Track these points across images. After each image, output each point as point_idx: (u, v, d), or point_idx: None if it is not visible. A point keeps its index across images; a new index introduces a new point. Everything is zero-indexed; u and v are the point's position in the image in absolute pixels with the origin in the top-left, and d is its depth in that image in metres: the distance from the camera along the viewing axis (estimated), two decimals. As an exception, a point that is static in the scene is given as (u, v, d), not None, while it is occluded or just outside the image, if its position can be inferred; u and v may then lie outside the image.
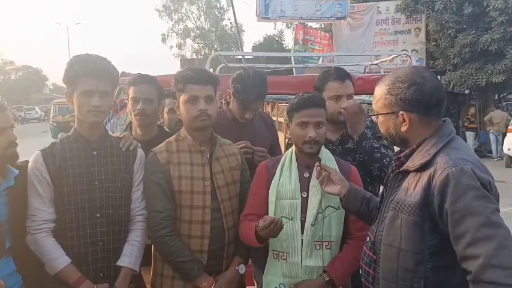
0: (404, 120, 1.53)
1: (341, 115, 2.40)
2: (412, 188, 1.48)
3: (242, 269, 2.17)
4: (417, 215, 1.44)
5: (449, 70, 13.77)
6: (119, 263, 2.02)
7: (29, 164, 1.98)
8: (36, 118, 36.67)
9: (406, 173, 1.55)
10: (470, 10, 12.48)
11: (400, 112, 1.53)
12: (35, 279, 1.96)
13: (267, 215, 2.03)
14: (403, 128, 1.54)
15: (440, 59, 14.16)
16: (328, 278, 1.96)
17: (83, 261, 1.96)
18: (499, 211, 1.36)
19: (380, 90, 1.61)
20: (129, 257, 2.03)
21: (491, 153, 13.55)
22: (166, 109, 3.05)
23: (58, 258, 1.90)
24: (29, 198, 1.95)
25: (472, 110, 14.69)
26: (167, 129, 2.85)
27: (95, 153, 2.02)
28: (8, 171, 1.95)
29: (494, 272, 1.26)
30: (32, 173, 1.95)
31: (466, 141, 13.22)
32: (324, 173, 1.92)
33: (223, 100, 3.42)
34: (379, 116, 1.64)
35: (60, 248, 1.92)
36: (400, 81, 1.54)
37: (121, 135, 2.24)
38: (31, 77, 55.80)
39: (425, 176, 1.44)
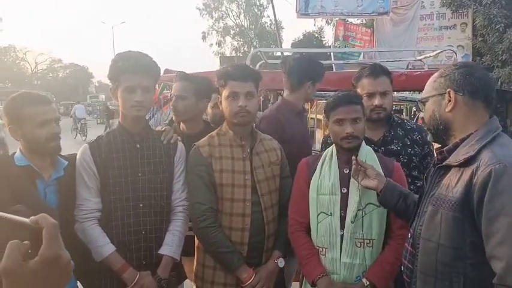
0: (450, 99, 1.55)
1: (374, 112, 2.35)
2: (453, 184, 1.46)
3: (281, 262, 2.18)
4: (458, 211, 1.42)
5: (497, 67, 13.12)
6: (161, 251, 2.08)
7: (77, 156, 2.07)
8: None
9: (448, 168, 1.53)
10: (521, 4, 11.89)
11: (448, 90, 1.55)
12: (83, 266, 2.03)
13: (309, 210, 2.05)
14: (448, 108, 1.55)
15: (488, 55, 13.52)
16: (368, 283, 1.93)
17: (127, 249, 2.03)
18: None
19: (433, 77, 1.66)
20: (170, 246, 2.10)
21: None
22: (211, 104, 3.10)
23: (104, 246, 1.98)
24: (77, 189, 2.03)
25: (521, 108, 14.01)
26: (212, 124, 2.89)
27: (138, 146, 2.09)
28: (58, 163, 2.04)
29: None
30: (79, 165, 2.04)
31: (514, 140, 12.65)
32: (355, 166, 1.92)
33: (261, 97, 3.44)
34: (426, 104, 1.65)
35: (105, 236, 2.00)
36: (453, 65, 1.63)
37: (162, 129, 2.31)
38: (78, 75, 57.89)
39: (468, 172, 1.42)
